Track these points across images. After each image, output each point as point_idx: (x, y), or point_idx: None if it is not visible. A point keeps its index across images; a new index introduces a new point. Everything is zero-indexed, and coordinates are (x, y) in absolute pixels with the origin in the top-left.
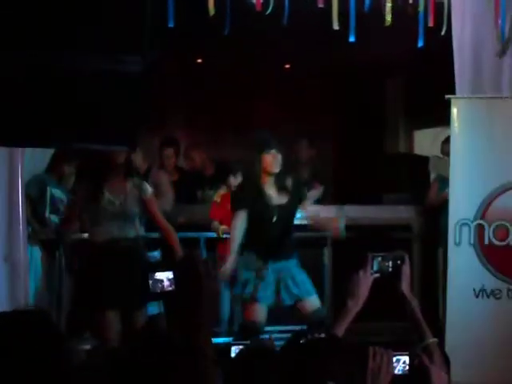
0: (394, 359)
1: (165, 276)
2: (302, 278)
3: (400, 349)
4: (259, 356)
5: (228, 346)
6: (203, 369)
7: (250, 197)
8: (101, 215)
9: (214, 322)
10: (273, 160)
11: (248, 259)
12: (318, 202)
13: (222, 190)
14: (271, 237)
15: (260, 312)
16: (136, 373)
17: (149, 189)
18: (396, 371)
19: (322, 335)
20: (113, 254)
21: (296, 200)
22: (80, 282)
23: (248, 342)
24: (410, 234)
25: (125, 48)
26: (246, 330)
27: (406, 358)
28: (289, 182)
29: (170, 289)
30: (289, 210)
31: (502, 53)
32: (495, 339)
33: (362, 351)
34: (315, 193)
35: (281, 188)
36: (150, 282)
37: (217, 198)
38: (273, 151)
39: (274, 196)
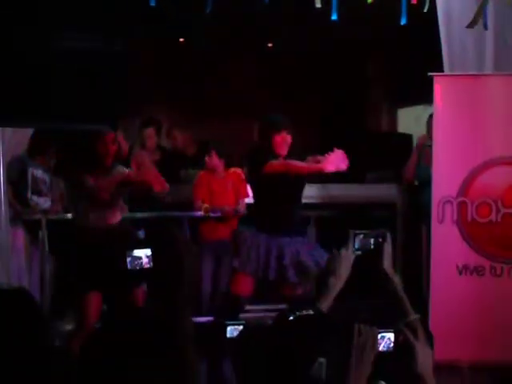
0: (379, 336)
1: (143, 253)
2: (307, 256)
3: (385, 326)
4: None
5: (222, 326)
6: (181, 346)
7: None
8: (87, 200)
9: (193, 299)
10: (282, 142)
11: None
12: None
13: (202, 171)
14: (278, 211)
15: (247, 285)
16: (112, 351)
17: (126, 171)
18: (381, 348)
19: (311, 312)
20: (100, 236)
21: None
22: (65, 263)
23: (242, 321)
24: (394, 211)
25: (105, 27)
26: (230, 304)
27: (391, 335)
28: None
29: (149, 266)
30: (295, 187)
31: (473, 23)
32: (478, 316)
33: (347, 328)
34: None
35: None
36: (129, 259)
37: (196, 180)
38: (283, 132)
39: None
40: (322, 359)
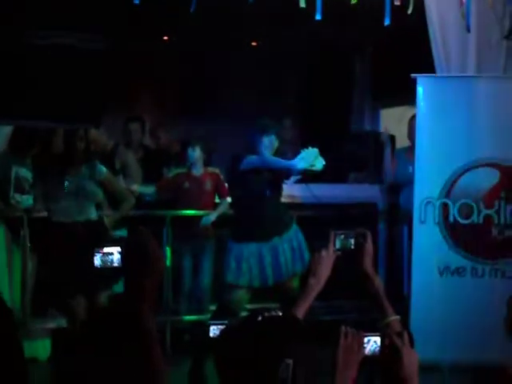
0: (365, 340)
1: (114, 250)
2: (296, 251)
3: (371, 329)
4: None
5: (205, 326)
6: (147, 347)
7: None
8: (59, 195)
9: (156, 300)
10: (269, 144)
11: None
12: None
13: (179, 169)
14: (264, 214)
15: (242, 294)
16: (77, 350)
17: (104, 170)
18: (367, 352)
19: (279, 313)
20: (72, 233)
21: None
22: (42, 261)
23: (225, 321)
24: (375, 212)
25: (88, 25)
26: (225, 311)
27: (377, 339)
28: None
29: (116, 265)
30: (275, 184)
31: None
32: (459, 317)
33: (329, 329)
34: None
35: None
36: (99, 255)
37: (170, 175)
38: (272, 137)
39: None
40: (288, 360)
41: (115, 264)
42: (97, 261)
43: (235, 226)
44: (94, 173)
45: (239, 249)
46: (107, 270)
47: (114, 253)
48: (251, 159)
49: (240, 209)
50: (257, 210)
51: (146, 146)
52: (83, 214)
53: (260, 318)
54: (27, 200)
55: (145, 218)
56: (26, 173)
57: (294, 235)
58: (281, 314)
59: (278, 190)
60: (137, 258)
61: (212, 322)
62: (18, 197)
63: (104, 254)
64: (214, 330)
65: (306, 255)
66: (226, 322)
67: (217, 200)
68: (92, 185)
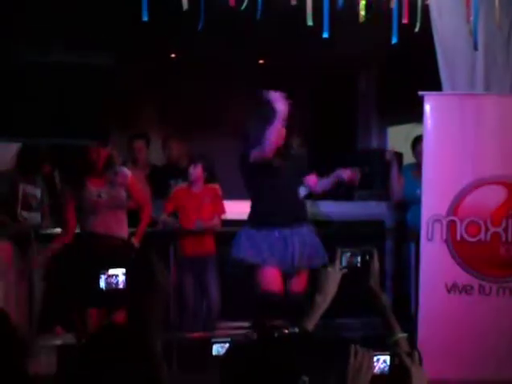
0: (375, 359)
1: (120, 272)
2: (312, 247)
3: (380, 347)
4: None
5: (208, 344)
6: (152, 367)
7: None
8: (92, 209)
9: (162, 321)
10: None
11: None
12: None
13: (179, 186)
14: (280, 200)
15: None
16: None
17: (127, 171)
18: (376, 370)
19: (296, 330)
20: (107, 248)
21: (299, 166)
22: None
23: (228, 339)
24: (383, 229)
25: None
26: (267, 302)
27: (387, 358)
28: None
29: (121, 287)
30: (294, 174)
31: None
32: (466, 335)
33: (338, 347)
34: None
35: (285, 157)
36: (104, 277)
37: (172, 193)
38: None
39: (278, 162)
40: (305, 377)
41: (120, 286)
42: (102, 283)
43: (250, 212)
44: (121, 176)
45: (251, 232)
46: (112, 292)
47: (119, 275)
48: (256, 152)
49: (255, 196)
50: (270, 197)
51: (154, 164)
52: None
53: (277, 335)
54: (35, 217)
55: (151, 235)
56: (33, 189)
57: (307, 233)
58: (297, 330)
59: (294, 182)
60: (142, 281)
61: (214, 340)
62: (25, 214)
63: (109, 276)
64: (217, 349)
65: (323, 253)
66: (229, 339)
67: None
68: (122, 191)
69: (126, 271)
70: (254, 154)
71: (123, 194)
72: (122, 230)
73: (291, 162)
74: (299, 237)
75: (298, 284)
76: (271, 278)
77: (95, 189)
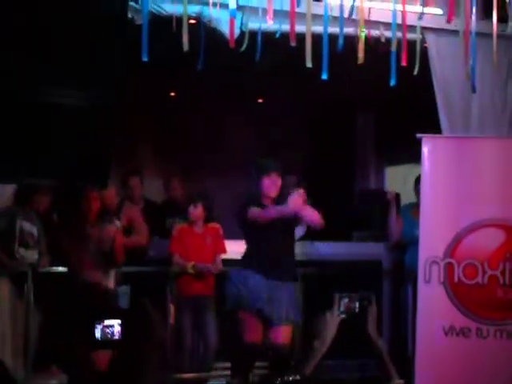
0: None
1: (115, 323)
2: (291, 301)
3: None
4: None
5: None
6: None
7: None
8: (88, 256)
9: (159, 368)
10: (272, 184)
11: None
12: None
13: (179, 224)
14: (273, 254)
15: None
16: None
17: (118, 223)
18: None
19: (297, 377)
20: (96, 294)
21: (292, 225)
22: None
23: (223, 381)
24: (380, 270)
25: (95, 83)
26: (248, 353)
27: None
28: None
29: (117, 337)
30: (288, 229)
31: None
32: (463, 377)
33: None
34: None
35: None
36: (99, 328)
37: (175, 232)
38: (273, 175)
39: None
40: None
41: (116, 336)
42: (97, 333)
43: (246, 255)
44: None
45: (243, 275)
46: (108, 343)
47: (115, 325)
48: (253, 212)
49: (251, 246)
50: (266, 250)
51: (147, 199)
52: (107, 275)
53: (278, 382)
54: (32, 255)
55: (147, 274)
56: (30, 227)
57: (294, 289)
58: (299, 377)
59: (290, 237)
60: (138, 332)
61: (210, 382)
62: (22, 251)
63: (105, 326)
64: None
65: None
66: (223, 382)
67: None
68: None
69: (122, 322)
70: (252, 213)
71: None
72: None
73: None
74: (288, 291)
75: (284, 335)
76: (252, 327)
77: (89, 240)
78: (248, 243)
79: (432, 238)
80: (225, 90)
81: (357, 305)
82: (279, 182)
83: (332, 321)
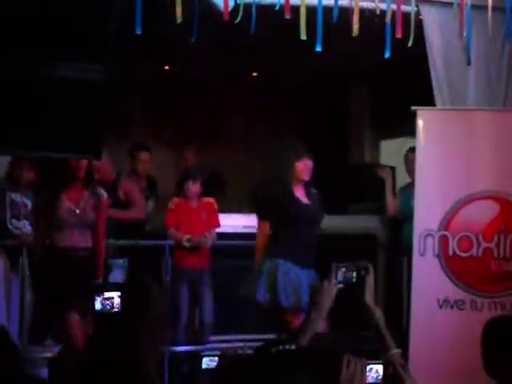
0: (368, 368)
1: (115, 295)
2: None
3: (374, 357)
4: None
5: (198, 357)
6: None
7: (280, 203)
8: (61, 223)
9: (160, 344)
10: (305, 168)
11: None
12: None
13: (177, 198)
14: (303, 241)
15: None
16: None
17: (104, 194)
18: (369, 380)
19: (293, 347)
20: (73, 260)
21: (319, 208)
22: (42, 286)
23: (218, 352)
24: (375, 243)
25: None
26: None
27: (380, 367)
28: (313, 191)
29: (116, 309)
30: (316, 217)
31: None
32: (458, 350)
33: (331, 358)
34: None
35: (308, 195)
36: (99, 300)
37: (171, 205)
38: (306, 159)
39: (304, 201)
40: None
41: (115, 309)
42: (97, 305)
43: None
44: (97, 197)
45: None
46: (107, 315)
47: (115, 297)
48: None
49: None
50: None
51: (151, 177)
52: (84, 241)
53: (274, 351)
54: (24, 226)
55: (144, 247)
56: (21, 197)
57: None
58: (294, 347)
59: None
60: (137, 304)
61: (204, 353)
62: (15, 222)
63: (104, 298)
64: (206, 362)
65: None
66: (218, 353)
67: None
68: (93, 211)
69: (121, 294)
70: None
71: (93, 215)
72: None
73: (313, 201)
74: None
75: None
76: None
77: (68, 204)
78: (276, 231)
79: (426, 211)
80: (220, 63)
81: (354, 274)
82: (311, 164)
83: (329, 290)
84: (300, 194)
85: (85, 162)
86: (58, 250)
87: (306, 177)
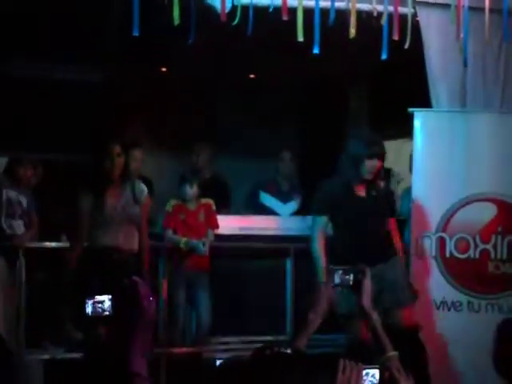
0: (364, 372)
1: (106, 298)
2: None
3: (370, 362)
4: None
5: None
6: None
7: (341, 200)
8: (107, 222)
9: (149, 346)
10: (372, 168)
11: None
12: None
13: (174, 200)
14: (367, 240)
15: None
16: None
17: (145, 190)
18: None
19: (288, 350)
20: (116, 262)
21: (384, 206)
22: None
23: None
24: None
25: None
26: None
27: (376, 372)
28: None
29: (108, 313)
30: (379, 214)
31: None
32: (455, 352)
33: (330, 363)
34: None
35: (370, 193)
36: (90, 303)
37: (169, 208)
38: (374, 157)
39: (366, 200)
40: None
41: (106, 312)
42: (88, 308)
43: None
44: (139, 192)
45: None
46: (98, 318)
47: (105, 301)
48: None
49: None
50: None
51: (145, 178)
52: (129, 240)
53: (268, 352)
54: (18, 226)
55: None
56: (17, 196)
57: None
58: (289, 350)
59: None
60: (128, 307)
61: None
62: (9, 221)
63: (95, 302)
64: (205, 363)
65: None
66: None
67: None
68: (135, 206)
69: (112, 297)
70: None
71: (137, 210)
72: (132, 244)
73: (376, 200)
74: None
75: None
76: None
77: (111, 201)
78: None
79: (424, 213)
80: (216, 64)
81: (351, 277)
82: (379, 164)
83: (326, 293)
84: (363, 194)
85: (121, 160)
86: (102, 251)
87: (371, 177)
